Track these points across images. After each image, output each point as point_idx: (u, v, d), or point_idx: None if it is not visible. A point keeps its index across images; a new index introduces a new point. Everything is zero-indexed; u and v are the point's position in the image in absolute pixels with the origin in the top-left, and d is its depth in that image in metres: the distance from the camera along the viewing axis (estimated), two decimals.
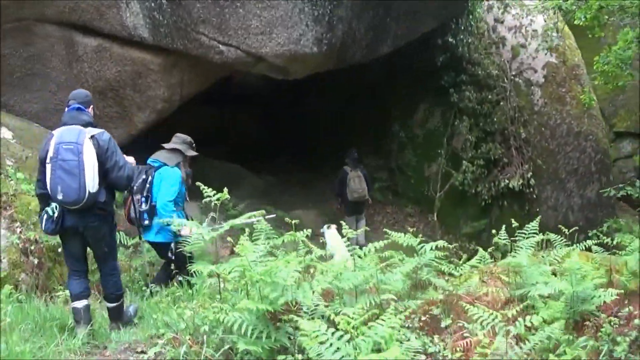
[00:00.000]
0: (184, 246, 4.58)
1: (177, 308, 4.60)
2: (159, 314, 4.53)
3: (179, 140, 6.92)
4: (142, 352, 4.12)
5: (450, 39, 12.99)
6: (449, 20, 12.73)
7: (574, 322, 4.29)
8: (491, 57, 13.34)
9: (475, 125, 13.19)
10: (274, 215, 7.13)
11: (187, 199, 6.95)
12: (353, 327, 2.90)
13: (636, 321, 4.05)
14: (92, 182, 5.02)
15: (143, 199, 6.53)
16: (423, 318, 4.40)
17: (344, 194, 12.16)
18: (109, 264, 5.48)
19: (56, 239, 6.11)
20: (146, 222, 6.52)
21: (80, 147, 5.00)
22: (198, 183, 4.50)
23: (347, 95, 14.94)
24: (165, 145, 6.84)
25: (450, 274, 5.18)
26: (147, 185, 6.56)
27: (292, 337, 3.36)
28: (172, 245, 6.48)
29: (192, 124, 14.69)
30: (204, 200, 4.41)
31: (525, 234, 5.52)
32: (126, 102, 9.87)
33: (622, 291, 4.33)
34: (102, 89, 9.83)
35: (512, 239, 5.55)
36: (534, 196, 12.72)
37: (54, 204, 5.10)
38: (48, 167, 5.05)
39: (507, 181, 12.62)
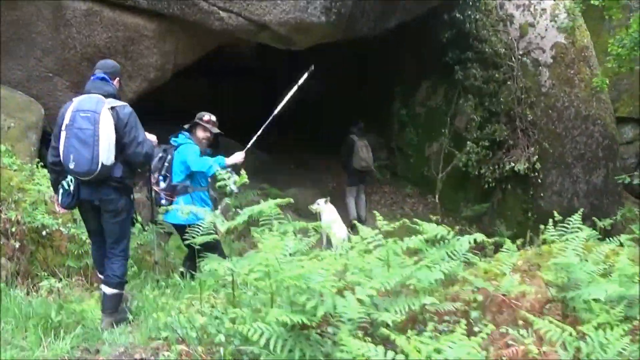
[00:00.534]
0: (194, 235, 3.98)
1: (181, 305, 4.05)
2: (159, 313, 3.94)
3: (199, 116, 6.69)
4: (142, 359, 3.56)
5: (457, 15, 12.43)
6: None
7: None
8: (498, 34, 12.80)
9: (480, 105, 12.74)
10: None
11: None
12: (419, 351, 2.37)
13: None
14: (106, 154, 4.78)
15: (161, 178, 6.32)
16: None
17: (349, 163, 11.98)
18: (120, 244, 5.16)
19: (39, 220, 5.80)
20: (163, 201, 6.27)
21: (97, 117, 4.77)
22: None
23: (347, 71, 14.34)
24: (184, 126, 6.60)
25: (486, 271, 4.66)
26: (167, 165, 6.33)
27: (329, 356, 2.81)
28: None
29: (183, 95, 14.15)
30: (217, 185, 3.85)
31: (567, 227, 4.99)
32: None
33: None
34: (91, 55, 9.15)
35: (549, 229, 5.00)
36: (539, 180, 12.29)
37: (69, 177, 4.95)
38: (62, 134, 4.85)
39: (512, 164, 12.16)
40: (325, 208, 10.35)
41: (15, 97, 8.81)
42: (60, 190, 5.02)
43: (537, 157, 12.16)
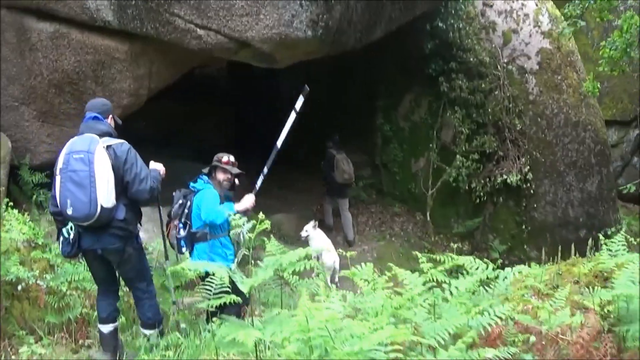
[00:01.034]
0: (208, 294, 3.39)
1: None
2: None
3: (217, 159, 6.33)
4: None
5: (440, 24, 12.01)
6: (439, 4, 11.72)
7: None
8: (482, 42, 12.40)
9: (467, 117, 12.29)
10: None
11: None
12: None
13: None
14: (105, 196, 4.56)
15: (181, 225, 6.02)
16: None
17: (331, 177, 11.74)
18: (139, 287, 5.05)
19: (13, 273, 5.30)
20: (184, 249, 6.04)
21: (91, 156, 4.57)
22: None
23: (327, 87, 13.79)
24: (204, 170, 6.28)
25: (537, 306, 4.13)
26: (186, 211, 6.02)
27: None
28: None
29: (155, 120, 13.49)
30: (232, 232, 3.27)
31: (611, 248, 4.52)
32: (86, 97, 8.47)
33: None
34: (59, 82, 8.53)
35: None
36: (531, 191, 11.92)
37: (70, 224, 4.73)
38: (57, 179, 4.67)
39: (504, 176, 11.74)
40: (313, 234, 9.99)
41: None
42: (61, 238, 4.81)
43: (528, 167, 11.77)
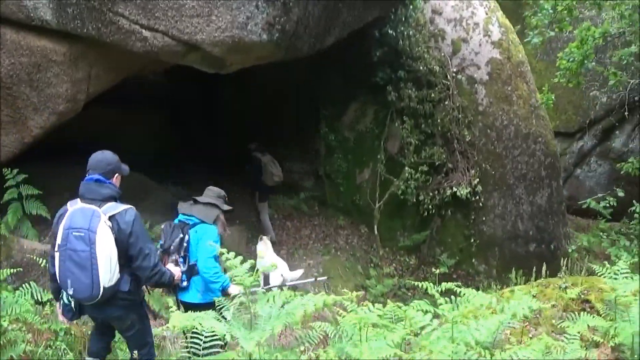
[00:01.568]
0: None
1: None
2: None
3: (214, 195, 6.24)
4: None
5: (390, 31, 11.58)
6: (390, 10, 11.27)
7: None
8: (431, 51, 12.04)
9: (415, 127, 11.91)
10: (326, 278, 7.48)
11: None
12: None
13: None
14: (107, 276, 4.31)
15: (181, 260, 5.80)
16: None
17: (260, 181, 11.56)
18: (141, 351, 4.78)
19: None
20: (184, 283, 5.80)
21: (93, 236, 4.26)
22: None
23: (269, 94, 13.17)
24: (199, 199, 6.14)
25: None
26: (185, 245, 5.83)
27: None
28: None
29: (85, 127, 12.49)
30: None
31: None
32: (20, 102, 7.67)
33: None
34: None
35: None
36: (480, 204, 11.64)
37: None
38: (56, 256, 4.39)
39: (453, 189, 11.40)
40: (260, 246, 9.51)
41: None
42: (61, 302, 4.63)
43: (478, 179, 11.48)
